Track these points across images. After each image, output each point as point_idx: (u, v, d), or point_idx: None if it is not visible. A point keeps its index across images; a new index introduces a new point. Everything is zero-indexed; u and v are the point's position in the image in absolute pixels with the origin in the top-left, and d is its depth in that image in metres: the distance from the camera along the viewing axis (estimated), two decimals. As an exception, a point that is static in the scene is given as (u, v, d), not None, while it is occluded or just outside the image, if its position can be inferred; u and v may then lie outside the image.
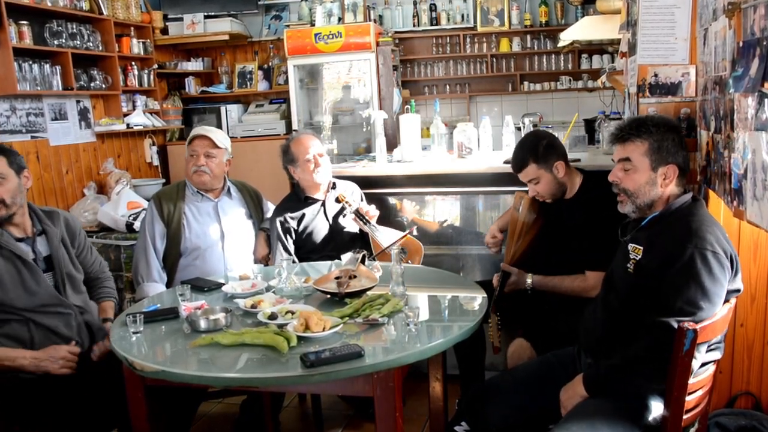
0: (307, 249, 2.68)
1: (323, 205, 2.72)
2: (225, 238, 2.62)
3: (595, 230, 2.04)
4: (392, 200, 3.15)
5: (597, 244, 2.03)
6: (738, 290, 1.63)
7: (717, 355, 1.65)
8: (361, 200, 2.82)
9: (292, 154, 2.67)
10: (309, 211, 2.69)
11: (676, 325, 1.48)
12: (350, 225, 2.71)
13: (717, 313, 1.58)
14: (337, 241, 2.68)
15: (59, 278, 2.08)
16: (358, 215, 2.64)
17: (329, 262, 2.46)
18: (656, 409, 1.58)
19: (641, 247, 1.67)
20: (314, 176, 2.64)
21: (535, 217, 2.29)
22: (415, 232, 2.79)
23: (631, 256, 1.69)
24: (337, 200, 2.68)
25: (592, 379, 1.62)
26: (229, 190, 2.71)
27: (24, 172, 2.07)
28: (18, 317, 1.97)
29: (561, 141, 2.28)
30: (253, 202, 2.77)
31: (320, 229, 2.70)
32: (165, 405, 1.97)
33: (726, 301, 1.60)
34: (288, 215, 2.66)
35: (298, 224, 2.68)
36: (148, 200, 3.80)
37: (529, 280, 2.20)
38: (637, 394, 1.59)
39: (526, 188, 2.30)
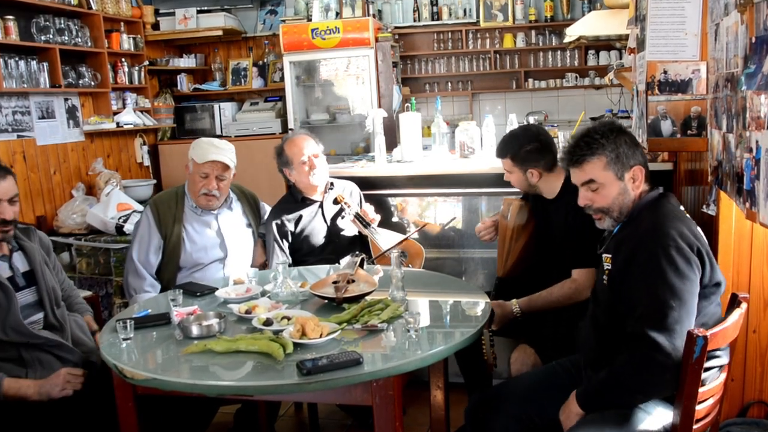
0: (304, 252, 2.63)
1: (321, 206, 2.66)
2: (228, 252, 2.55)
3: (578, 228, 2.01)
4: (392, 202, 3.10)
5: (580, 241, 1.99)
6: (718, 283, 1.59)
7: (723, 360, 1.60)
8: (361, 201, 2.76)
9: (286, 157, 2.61)
10: (306, 213, 2.64)
11: (652, 334, 1.45)
12: (349, 227, 2.66)
13: (728, 319, 1.54)
14: (336, 244, 2.64)
15: (44, 292, 2.01)
16: (358, 218, 2.58)
17: (327, 266, 2.41)
18: (665, 417, 1.54)
19: (610, 256, 1.64)
20: (310, 179, 2.59)
21: (525, 220, 2.26)
22: (415, 235, 2.73)
23: (605, 267, 1.67)
24: (336, 201, 2.62)
25: (584, 396, 1.59)
26: (230, 202, 2.63)
27: None
28: (4, 340, 1.89)
29: (556, 146, 2.25)
30: (250, 207, 2.72)
31: (318, 232, 2.65)
32: (180, 413, 1.96)
33: (704, 297, 1.55)
34: (285, 217, 2.61)
35: (295, 226, 2.63)
36: (139, 202, 3.75)
37: (515, 308, 2.10)
38: (630, 407, 1.55)
39: (514, 194, 2.33)
